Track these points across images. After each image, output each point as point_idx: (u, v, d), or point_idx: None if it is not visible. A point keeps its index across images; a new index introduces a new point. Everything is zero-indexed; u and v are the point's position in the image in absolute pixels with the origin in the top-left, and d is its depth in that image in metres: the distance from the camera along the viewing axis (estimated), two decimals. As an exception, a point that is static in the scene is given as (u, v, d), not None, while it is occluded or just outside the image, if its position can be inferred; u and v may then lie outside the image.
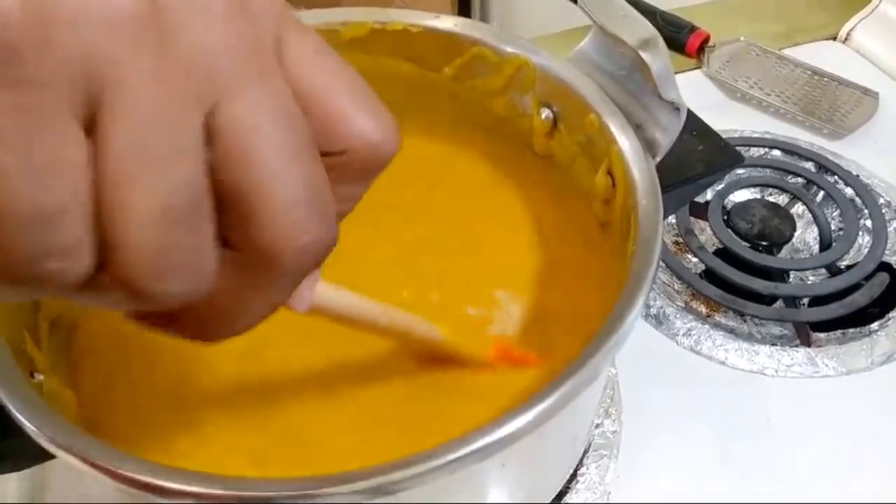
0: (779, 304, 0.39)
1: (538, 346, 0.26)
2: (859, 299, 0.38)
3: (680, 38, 0.53)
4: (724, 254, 0.40)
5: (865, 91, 0.51)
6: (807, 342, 0.37)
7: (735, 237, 0.40)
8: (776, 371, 0.35)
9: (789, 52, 0.54)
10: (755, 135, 0.47)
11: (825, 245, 0.41)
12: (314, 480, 0.18)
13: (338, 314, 0.20)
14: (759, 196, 0.44)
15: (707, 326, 0.36)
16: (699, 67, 0.53)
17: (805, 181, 0.44)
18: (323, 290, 0.19)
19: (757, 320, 0.38)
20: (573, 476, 0.30)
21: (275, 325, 0.26)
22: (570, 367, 0.19)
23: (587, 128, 0.28)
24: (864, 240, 0.42)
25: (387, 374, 0.25)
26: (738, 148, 0.30)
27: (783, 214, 0.42)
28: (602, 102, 0.27)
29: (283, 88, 0.12)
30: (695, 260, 0.40)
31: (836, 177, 0.44)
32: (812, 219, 0.42)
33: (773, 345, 0.36)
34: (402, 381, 0.25)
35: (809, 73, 0.52)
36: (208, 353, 0.25)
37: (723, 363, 0.35)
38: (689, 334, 0.36)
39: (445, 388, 0.25)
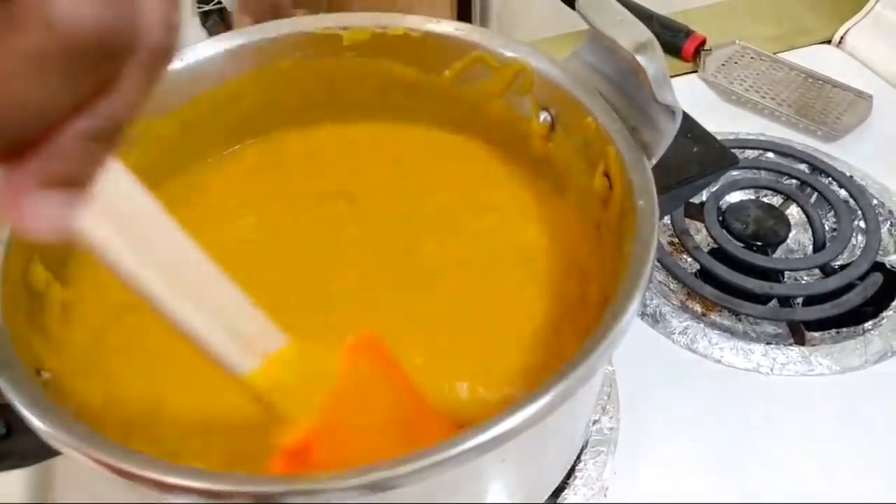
0: (773, 303, 0.39)
1: (536, 348, 0.26)
2: (853, 299, 0.38)
3: (676, 41, 0.53)
4: (718, 254, 0.40)
5: (859, 94, 0.51)
6: (801, 341, 0.37)
7: (730, 237, 0.41)
8: (771, 369, 0.35)
9: (784, 56, 0.55)
10: (750, 137, 0.48)
11: (819, 245, 0.42)
12: (314, 477, 0.18)
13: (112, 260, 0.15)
14: (753, 197, 0.44)
15: (702, 325, 0.37)
16: (695, 71, 0.54)
17: (799, 182, 0.45)
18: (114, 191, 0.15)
19: (752, 319, 0.39)
20: (571, 472, 0.31)
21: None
22: (568, 364, 0.20)
23: (584, 130, 0.28)
24: (858, 240, 0.42)
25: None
26: (732, 150, 0.31)
27: (777, 215, 0.42)
28: (599, 105, 0.27)
29: None
30: (690, 260, 0.41)
31: (829, 178, 0.45)
32: (806, 220, 0.43)
33: (767, 343, 0.36)
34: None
35: (804, 76, 0.53)
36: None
37: (718, 361, 0.36)
38: (685, 333, 0.37)
39: None
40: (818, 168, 0.45)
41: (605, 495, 0.30)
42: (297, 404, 0.19)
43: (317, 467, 0.19)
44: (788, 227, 0.42)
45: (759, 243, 0.41)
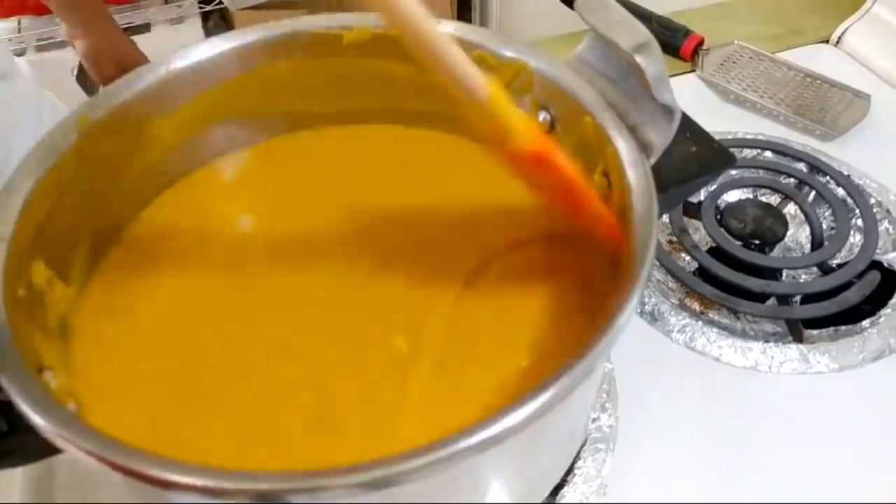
0: (771, 301, 0.40)
1: (533, 347, 0.26)
2: (851, 297, 0.38)
3: (674, 41, 0.54)
4: (717, 252, 0.41)
5: (857, 93, 0.51)
6: (799, 339, 0.37)
7: (728, 236, 0.41)
8: (769, 367, 0.36)
9: (782, 55, 0.55)
10: (748, 136, 0.48)
11: (817, 244, 0.42)
12: (314, 474, 0.18)
13: (414, 30, 0.21)
14: (751, 196, 0.45)
15: (701, 323, 0.37)
16: (693, 70, 0.54)
17: (797, 181, 0.45)
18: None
19: (750, 317, 0.39)
20: (570, 469, 0.31)
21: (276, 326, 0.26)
22: (566, 363, 0.20)
23: (583, 130, 0.28)
24: (856, 239, 0.42)
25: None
26: (731, 149, 0.31)
27: (775, 214, 0.42)
28: (598, 105, 0.27)
29: None
30: (688, 258, 0.41)
31: (827, 177, 0.45)
32: (804, 218, 0.43)
33: (766, 341, 0.37)
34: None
35: (802, 75, 0.53)
36: (208, 350, 0.26)
37: (717, 359, 0.36)
38: (684, 331, 0.37)
39: None
40: (816, 167, 0.46)
41: (604, 493, 0.31)
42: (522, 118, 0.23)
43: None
44: (786, 225, 0.42)
45: (758, 242, 0.41)
